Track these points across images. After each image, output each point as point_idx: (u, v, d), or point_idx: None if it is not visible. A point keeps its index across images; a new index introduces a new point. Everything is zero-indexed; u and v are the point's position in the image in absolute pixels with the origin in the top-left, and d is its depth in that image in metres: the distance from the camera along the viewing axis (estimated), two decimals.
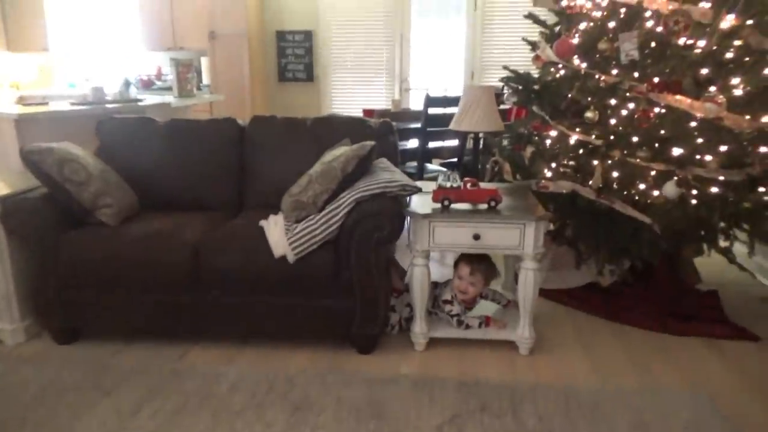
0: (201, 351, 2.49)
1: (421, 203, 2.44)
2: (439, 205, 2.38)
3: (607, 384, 2.26)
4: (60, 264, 2.39)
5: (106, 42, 6.35)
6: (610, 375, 2.33)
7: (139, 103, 4.37)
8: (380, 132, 2.89)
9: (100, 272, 2.37)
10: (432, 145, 4.11)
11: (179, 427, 1.98)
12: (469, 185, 2.40)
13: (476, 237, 2.32)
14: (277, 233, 2.35)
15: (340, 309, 2.40)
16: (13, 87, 5.97)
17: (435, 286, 2.59)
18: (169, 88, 5.15)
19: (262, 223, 2.45)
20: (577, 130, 2.74)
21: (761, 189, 2.46)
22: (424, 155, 3.94)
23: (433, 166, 4.43)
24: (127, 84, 4.57)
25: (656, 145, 2.52)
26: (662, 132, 2.48)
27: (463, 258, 2.49)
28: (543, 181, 2.76)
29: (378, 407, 2.09)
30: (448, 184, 2.39)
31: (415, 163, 3.99)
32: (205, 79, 6.16)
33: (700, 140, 2.44)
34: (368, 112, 4.28)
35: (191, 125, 2.98)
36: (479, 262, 2.47)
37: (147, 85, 6.12)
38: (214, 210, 2.80)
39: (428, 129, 3.80)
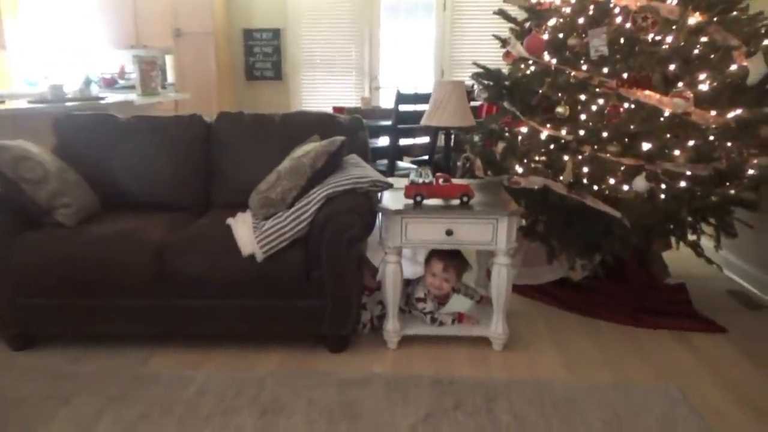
0: (166, 355, 2.40)
1: (392, 199, 2.40)
2: (411, 201, 2.35)
3: (580, 379, 2.26)
4: (14, 266, 2.27)
5: (68, 40, 6.15)
6: (583, 370, 2.32)
7: (101, 101, 4.23)
8: (350, 128, 2.84)
9: (57, 275, 2.26)
10: (403, 142, 4.08)
11: None
12: (441, 181, 2.37)
13: (449, 233, 2.29)
14: (245, 231, 2.28)
15: (311, 309, 2.34)
16: None
17: (407, 283, 2.55)
18: (133, 87, 5.01)
19: (230, 221, 2.38)
20: (548, 125, 2.73)
21: (727, 183, 2.49)
22: (395, 153, 3.90)
23: (404, 163, 4.40)
24: (88, 82, 4.43)
25: (626, 140, 2.53)
26: (632, 127, 2.49)
27: (435, 254, 2.46)
28: (515, 177, 2.74)
29: (350, 408, 2.04)
30: (420, 180, 2.35)
31: (386, 161, 3.95)
32: (170, 78, 6.02)
33: (668, 135, 2.46)
34: (338, 110, 4.23)
35: (155, 122, 2.88)
36: (452, 258, 2.44)
37: (110, 83, 5.96)
38: (180, 210, 2.71)
39: (399, 126, 3.76)
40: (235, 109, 2.94)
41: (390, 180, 2.43)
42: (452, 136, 2.85)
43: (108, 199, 2.70)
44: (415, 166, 4.28)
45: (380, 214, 2.33)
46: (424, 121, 2.52)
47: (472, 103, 3.39)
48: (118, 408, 2.03)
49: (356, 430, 1.93)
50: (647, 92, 2.43)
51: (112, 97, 4.38)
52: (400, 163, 4.36)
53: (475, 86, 3.18)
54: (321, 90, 6.10)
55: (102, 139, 2.80)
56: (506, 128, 2.91)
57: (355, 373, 2.26)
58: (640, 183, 2.41)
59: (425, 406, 2.05)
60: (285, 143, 2.70)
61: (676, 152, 2.42)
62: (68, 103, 4.03)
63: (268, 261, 2.24)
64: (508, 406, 2.06)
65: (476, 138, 3.13)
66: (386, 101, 5.76)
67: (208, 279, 2.28)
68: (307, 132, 2.73)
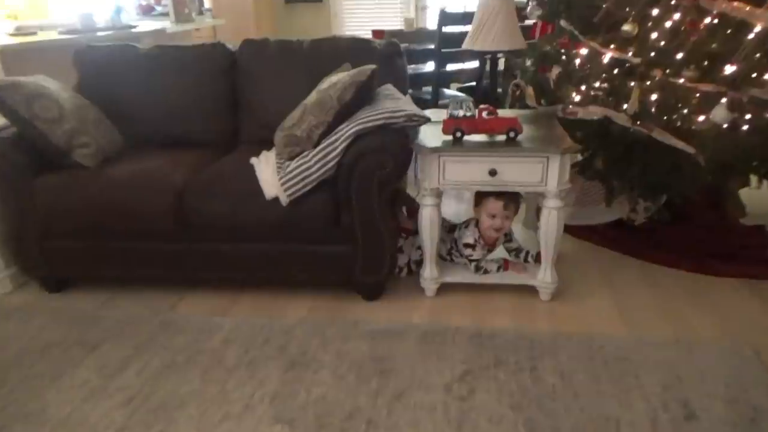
0: (194, 300, 2.33)
1: (430, 135, 2.16)
2: (450, 138, 2.10)
3: (636, 335, 2.04)
4: (37, 210, 2.20)
5: None
6: (640, 324, 2.10)
7: (132, 30, 4.06)
8: (385, 54, 2.56)
9: (78, 218, 2.18)
10: (450, 68, 3.75)
11: (165, 386, 1.83)
12: (484, 114, 2.09)
13: (493, 173, 2.04)
14: (269, 172, 2.11)
15: (342, 255, 2.18)
16: (11, 18, 5.66)
17: (453, 228, 2.35)
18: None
19: (253, 161, 2.21)
20: (612, 46, 2.37)
21: None
22: (440, 79, 3.59)
23: (450, 91, 4.09)
24: (119, 10, 4.24)
25: (705, 62, 2.16)
26: (713, 46, 2.11)
27: (491, 193, 2.20)
28: (570, 106, 2.43)
29: (381, 363, 1.91)
30: (461, 113, 2.09)
31: (431, 89, 3.65)
32: (207, 3, 5.76)
33: (757, 56, 2.07)
34: (378, 34, 3.90)
35: (177, 52, 2.68)
36: (508, 194, 2.18)
37: (147, 10, 5.74)
38: (206, 147, 2.56)
39: (443, 50, 3.43)
40: (274, 34, 2.70)
41: (428, 113, 2.18)
42: (500, 61, 2.53)
43: (133, 136, 2.58)
44: (461, 94, 3.96)
45: (415, 153, 2.10)
46: (466, 45, 2.22)
47: (524, 22, 3.02)
48: (144, 356, 1.97)
49: (387, 387, 1.80)
50: (735, 3, 2.03)
51: (143, 26, 4.19)
52: (447, 91, 4.05)
53: (528, 2, 2.80)
54: (363, 12, 5.72)
55: (122, 71, 2.65)
56: (563, 50, 2.56)
57: (389, 323, 2.12)
58: (721, 113, 2.06)
59: (463, 363, 1.90)
60: (314, 72, 2.46)
61: (766, 76, 2.04)
62: (99, 33, 3.88)
63: (294, 204, 2.08)
64: (555, 365, 1.88)
65: (528, 62, 2.78)
66: (433, 22, 5.33)
67: (231, 223, 2.14)
68: (337, 60, 2.47)
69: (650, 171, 2.27)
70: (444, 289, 2.31)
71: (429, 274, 2.26)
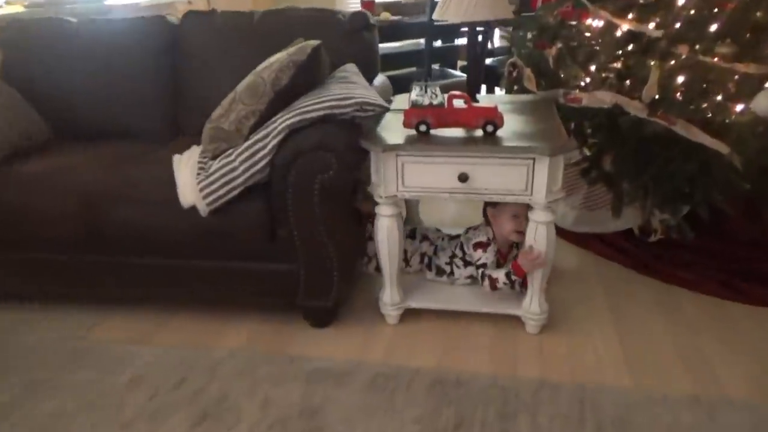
0: (115, 323, 1.97)
1: (389, 129, 1.73)
2: (413, 132, 1.67)
3: (644, 387, 1.60)
4: None
5: None
6: (649, 371, 1.66)
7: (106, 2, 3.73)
8: (351, 27, 2.13)
9: None
10: (445, 43, 3.29)
11: None
12: (457, 102, 1.65)
13: (463, 178, 1.61)
14: (188, 174, 1.71)
15: (281, 275, 1.79)
16: None
17: (467, 231, 1.94)
18: None
19: (176, 159, 1.82)
20: (629, 17, 1.90)
21: None
22: (432, 56, 3.13)
23: (456, 72, 3.63)
24: None
25: (746, 35, 1.68)
26: (758, 15, 1.63)
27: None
28: (574, 91, 1.97)
29: (312, 418, 1.52)
30: (426, 101, 1.65)
31: (438, 66, 3.20)
32: None
33: None
34: (368, 5, 3.45)
35: (112, 27, 2.30)
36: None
37: None
38: (142, 139, 2.18)
39: (435, 23, 2.97)
40: (273, 2, 2.29)
41: (395, 100, 1.76)
42: (489, 34, 2.07)
43: (63, 126, 2.23)
44: (463, 75, 3.50)
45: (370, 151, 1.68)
46: (436, 14, 1.77)
47: None
48: (32, 399, 1.63)
49: None
50: None
51: None
52: (453, 71, 3.59)
53: None
54: None
55: (50, 50, 2.27)
56: (566, 21, 2.08)
57: (334, 361, 1.72)
58: (764, 102, 1.59)
59: (415, 422, 1.49)
60: (266, 50, 2.02)
61: None
62: (68, 6, 3.56)
63: (219, 215, 1.69)
64: (533, 428, 1.46)
65: (529, 36, 2.31)
66: None
67: (147, 235, 1.76)
68: (293, 34, 2.04)
69: (670, 175, 1.80)
70: (410, 315, 1.90)
71: (389, 298, 1.85)
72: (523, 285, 1.81)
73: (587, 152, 2.16)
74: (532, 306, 1.78)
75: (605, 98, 1.88)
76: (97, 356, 1.79)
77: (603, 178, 1.97)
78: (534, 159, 1.57)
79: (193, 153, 1.80)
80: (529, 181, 1.60)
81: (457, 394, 1.57)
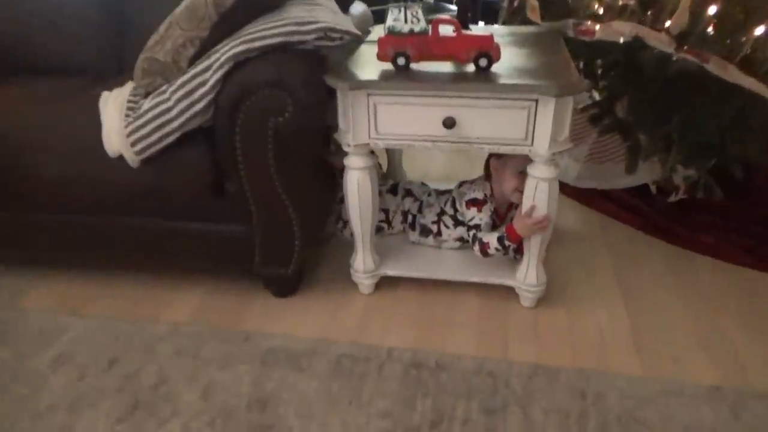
0: (47, 290, 1.70)
1: (361, 64, 1.42)
2: (389, 66, 1.36)
3: (656, 374, 1.36)
4: None
5: None
6: (662, 355, 1.41)
7: None
8: None
9: None
10: None
11: None
12: (443, 29, 1.33)
13: (449, 123, 1.31)
14: (114, 117, 1.41)
15: (233, 237, 1.51)
16: None
17: (460, 185, 1.66)
18: None
19: (104, 97, 1.50)
20: None
21: None
22: None
23: (452, 6, 3.25)
24: None
25: None
26: None
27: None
28: (586, 22, 1.64)
29: (263, 412, 1.27)
30: (405, 27, 1.33)
31: None
32: None
33: None
34: None
35: None
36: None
37: None
38: (85, 76, 1.86)
39: None
40: None
41: (355, 29, 1.44)
42: None
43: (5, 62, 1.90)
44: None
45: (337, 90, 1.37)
46: None
47: None
48: None
49: None
50: None
51: None
52: (447, 5, 3.22)
53: None
54: None
55: None
56: None
57: (295, 338, 1.47)
58: None
59: (384, 416, 1.25)
60: None
61: None
62: None
63: (152, 166, 1.40)
64: (525, 424, 1.22)
65: None
66: None
67: (72, 189, 1.47)
68: None
69: (699, 123, 1.50)
70: (388, 283, 1.64)
71: (361, 264, 1.58)
72: (518, 251, 1.55)
73: (597, 96, 1.85)
74: (527, 276, 1.52)
75: (624, 29, 1.56)
76: (20, 330, 1.54)
77: (617, 126, 1.67)
78: (537, 101, 1.27)
79: (124, 90, 1.49)
80: (529, 128, 1.30)
81: (435, 382, 1.33)
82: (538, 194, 1.38)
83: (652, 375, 1.35)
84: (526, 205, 1.42)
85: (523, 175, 1.46)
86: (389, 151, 2.02)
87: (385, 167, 2.04)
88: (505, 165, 1.52)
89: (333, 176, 1.72)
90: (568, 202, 2.06)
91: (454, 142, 1.35)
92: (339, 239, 1.77)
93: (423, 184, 1.79)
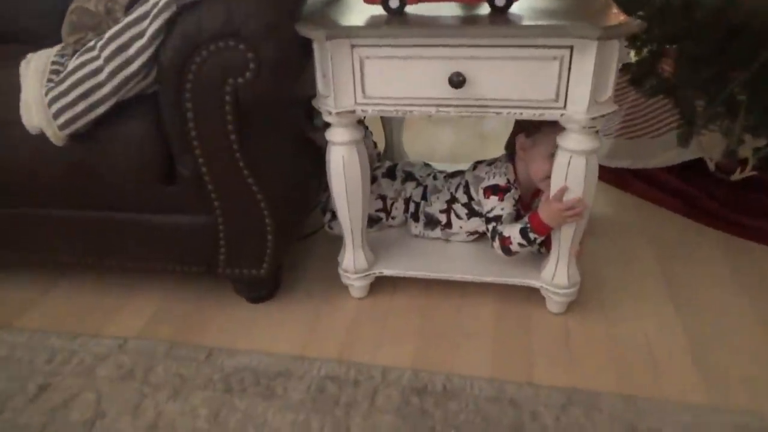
0: None
1: (345, 8, 1.13)
2: (379, 11, 1.06)
3: (724, 402, 1.06)
4: None
5: None
6: (731, 377, 1.11)
7: None
8: None
9: None
10: None
11: None
12: None
13: (456, 81, 1.01)
14: (34, 84, 1.11)
15: (193, 231, 1.23)
16: None
17: (475, 166, 1.36)
18: None
19: (25, 61, 1.21)
20: None
21: None
22: None
23: None
24: None
25: None
26: None
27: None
28: None
29: None
30: None
31: None
32: None
33: None
34: None
35: None
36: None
37: None
38: (36, 41, 1.57)
39: None
40: None
41: None
42: None
43: None
44: None
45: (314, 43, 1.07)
46: None
47: None
48: None
49: None
50: None
51: None
52: None
53: None
54: None
55: None
56: None
57: (270, 355, 1.19)
58: None
59: None
60: None
61: None
62: None
63: (83, 144, 1.11)
64: None
65: None
66: None
67: None
68: None
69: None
70: (383, 286, 1.35)
71: (351, 263, 1.29)
72: (545, 245, 1.25)
73: (633, 57, 1.54)
74: (556, 276, 1.22)
75: None
76: None
77: (664, 88, 1.35)
78: (571, 48, 0.96)
79: (51, 51, 1.20)
80: (562, 84, 1.00)
81: (442, 413, 1.04)
82: (571, 172, 1.08)
83: (721, 403, 1.05)
84: (555, 186, 1.12)
85: (551, 158, 1.16)
86: (385, 126, 1.72)
87: (382, 148, 1.75)
88: (535, 144, 1.21)
89: (319, 158, 1.42)
90: (600, 185, 1.74)
91: (464, 105, 1.05)
92: (328, 234, 1.48)
93: (426, 164, 1.49)
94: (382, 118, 1.68)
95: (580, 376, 1.11)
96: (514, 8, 1.03)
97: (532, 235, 1.17)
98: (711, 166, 1.53)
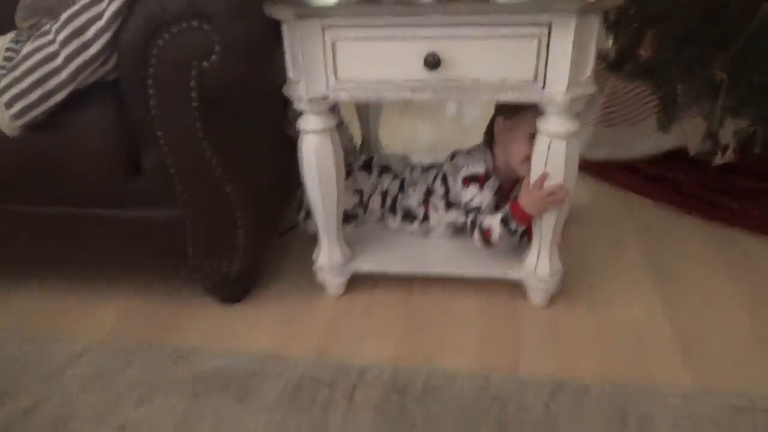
0: None
1: None
2: None
3: (713, 385, 1.03)
4: None
5: None
6: (720, 361, 1.08)
7: None
8: None
9: None
10: None
11: None
12: None
13: (431, 62, 0.97)
14: None
15: (159, 226, 1.17)
16: None
17: (452, 156, 1.31)
18: None
19: None
20: None
21: None
22: None
23: None
24: None
25: None
26: None
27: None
28: None
29: None
30: None
31: None
32: None
33: None
34: None
35: None
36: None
37: None
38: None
39: None
40: None
41: None
42: None
43: None
44: None
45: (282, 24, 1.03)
46: None
47: None
48: None
49: None
50: None
51: None
52: None
53: None
54: None
55: None
56: None
57: (243, 356, 1.13)
58: None
59: None
60: None
61: None
62: None
63: (39, 135, 1.05)
64: None
65: None
66: None
67: None
68: None
69: (756, 57, 1.17)
70: (361, 283, 1.30)
71: (326, 259, 1.24)
72: (526, 235, 1.21)
73: (611, 45, 1.52)
74: (539, 266, 1.18)
75: None
76: None
77: (643, 71, 1.33)
78: (550, 25, 0.93)
79: (5, 39, 1.13)
80: (540, 63, 0.96)
81: (425, 411, 0.99)
82: (551, 157, 1.05)
83: (711, 386, 1.02)
84: (535, 172, 1.08)
85: (532, 137, 1.13)
86: (362, 119, 1.68)
87: (358, 142, 1.71)
88: (515, 126, 1.18)
89: (295, 153, 1.37)
90: (581, 177, 1.72)
91: (441, 88, 1.01)
92: (304, 231, 1.43)
93: (404, 157, 1.45)
94: (358, 110, 1.64)
95: (567, 365, 1.07)
96: None
97: (513, 225, 1.14)
98: (691, 151, 1.51)
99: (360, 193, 1.37)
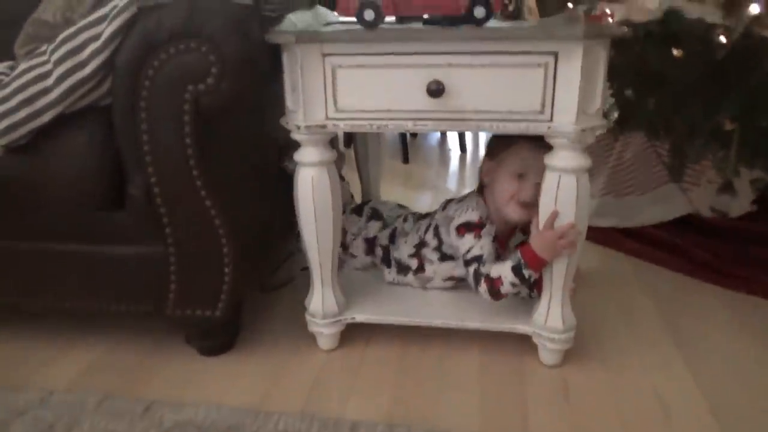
0: None
1: (311, 16, 1.08)
2: (352, 20, 1.01)
3: None
4: None
5: None
6: (748, 424, 0.96)
7: None
8: None
9: None
10: None
11: None
12: None
13: (435, 90, 0.94)
14: None
15: (140, 263, 1.09)
16: None
17: (444, 205, 1.25)
18: None
19: None
20: None
21: None
22: None
23: None
24: None
25: None
26: None
27: (513, 138, 1.08)
28: (600, 4, 1.33)
29: None
30: None
31: None
32: None
33: None
34: None
35: None
36: (538, 139, 1.01)
37: None
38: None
39: None
40: None
41: None
42: None
43: None
44: None
45: (283, 50, 1.01)
46: None
47: None
48: None
49: None
50: None
51: None
52: None
53: None
54: None
55: None
56: None
57: (220, 410, 1.00)
58: None
59: None
60: None
61: None
62: None
63: (21, 160, 1.00)
64: None
65: None
66: None
67: None
68: None
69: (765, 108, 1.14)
70: (356, 334, 1.20)
71: (319, 306, 1.15)
72: (536, 288, 1.13)
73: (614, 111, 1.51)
74: (549, 318, 1.08)
75: (652, 4, 1.24)
76: None
77: (648, 124, 1.30)
78: (556, 54, 0.91)
79: (1, 65, 1.12)
80: (547, 93, 0.93)
81: None
82: (561, 193, 0.99)
83: None
84: (545, 211, 1.02)
85: (523, 180, 1.08)
86: (361, 167, 1.60)
87: (358, 197, 1.65)
88: (500, 164, 1.13)
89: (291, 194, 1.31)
90: (589, 245, 1.66)
91: (444, 119, 0.97)
92: (296, 286, 1.34)
93: (400, 206, 1.40)
94: (358, 165, 1.59)
95: (583, 430, 0.95)
96: (495, 20, 0.99)
97: (526, 272, 1.05)
98: (705, 213, 1.45)
99: (344, 233, 1.29)
